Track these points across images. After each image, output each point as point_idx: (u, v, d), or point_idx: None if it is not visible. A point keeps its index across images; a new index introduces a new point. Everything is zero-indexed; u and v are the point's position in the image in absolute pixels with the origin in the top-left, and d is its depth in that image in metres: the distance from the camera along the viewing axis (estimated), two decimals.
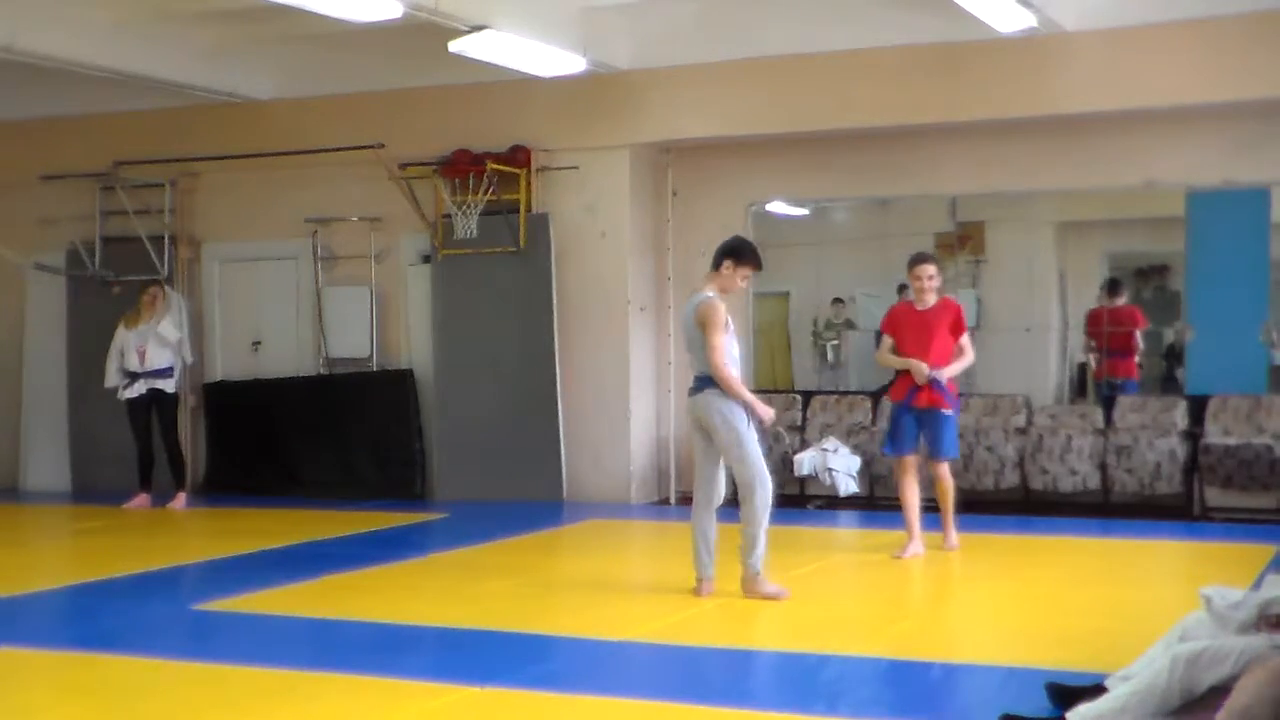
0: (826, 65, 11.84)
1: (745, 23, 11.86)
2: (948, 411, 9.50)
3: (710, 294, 8.08)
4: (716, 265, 8.19)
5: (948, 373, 9.48)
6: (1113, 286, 12.67)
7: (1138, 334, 12.48)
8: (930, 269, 9.62)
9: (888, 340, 9.72)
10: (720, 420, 8.00)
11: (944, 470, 9.62)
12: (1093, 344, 12.68)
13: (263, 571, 9.37)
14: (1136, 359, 12.52)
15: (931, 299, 9.60)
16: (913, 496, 9.62)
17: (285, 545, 10.51)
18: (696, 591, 8.16)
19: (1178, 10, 10.77)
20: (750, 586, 8.06)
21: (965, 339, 9.62)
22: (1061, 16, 10.79)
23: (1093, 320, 12.67)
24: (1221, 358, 11.72)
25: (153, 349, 12.72)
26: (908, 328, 9.61)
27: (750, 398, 8.04)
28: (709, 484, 8.18)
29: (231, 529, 11.76)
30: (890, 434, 9.79)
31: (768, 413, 8.14)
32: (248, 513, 12.53)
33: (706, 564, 8.17)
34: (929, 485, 9.80)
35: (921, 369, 9.41)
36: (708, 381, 8.02)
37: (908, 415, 9.57)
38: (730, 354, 8.03)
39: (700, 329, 8.00)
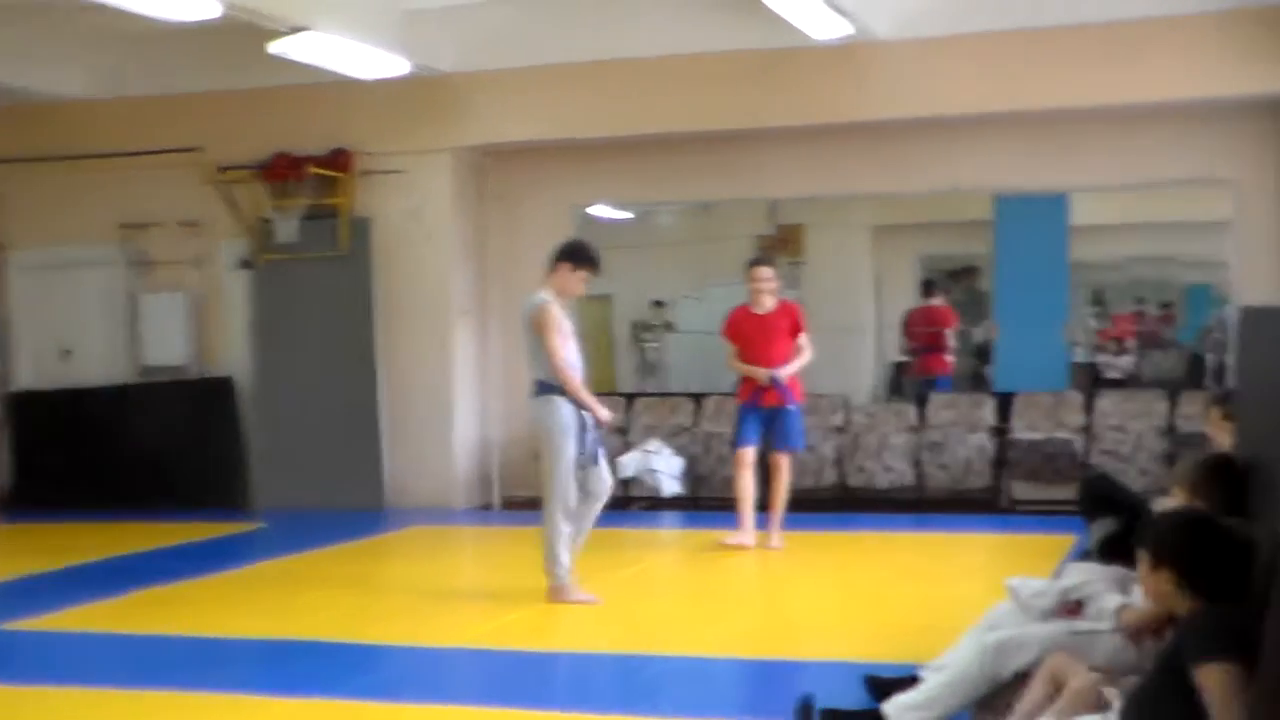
0: (648, 70, 11.93)
1: (568, 27, 11.91)
2: (792, 407, 9.79)
3: (544, 297, 8.08)
4: (553, 267, 8.20)
5: (786, 372, 9.73)
6: (927, 287, 13.04)
7: (949, 332, 12.85)
8: (767, 272, 9.90)
9: (730, 346, 9.95)
10: (547, 425, 8.02)
11: (784, 462, 9.88)
12: (909, 343, 13.03)
13: (72, 588, 9.10)
14: (948, 356, 12.88)
15: (770, 302, 9.85)
16: (747, 489, 9.84)
17: (97, 560, 10.23)
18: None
19: (986, 22, 11.08)
20: (557, 596, 8.07)
21: (804, 338, 9.89)
22: (876, 25, 11.03)
23: (909, 320, 13.01)
24: (1026, 356, 12.13)
25: None
26: (748, 332, 9.85)
27: (590, 400, 8.07)
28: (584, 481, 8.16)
29: (39, 545, 11.36)
30: (736, 431, 10.03)
31: (606, 415, 8.18)
32: (57, 528, 12.14)
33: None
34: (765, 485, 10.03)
35: (760, 373, 9.70)
36: (543, 386, 8.05)
37: (753, 414, 9.84)
38: (568, 357, 8.04)
39: (535, 333, 8.02)
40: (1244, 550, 3.84)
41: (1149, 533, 3.99)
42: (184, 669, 6.87)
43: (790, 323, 9.88)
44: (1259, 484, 4.40)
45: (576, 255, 8.21)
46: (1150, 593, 4.00)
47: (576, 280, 8.19)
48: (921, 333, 12.91)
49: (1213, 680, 3.49)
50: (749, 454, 9.87)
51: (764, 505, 9.97)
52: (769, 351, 9.76)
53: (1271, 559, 3.65)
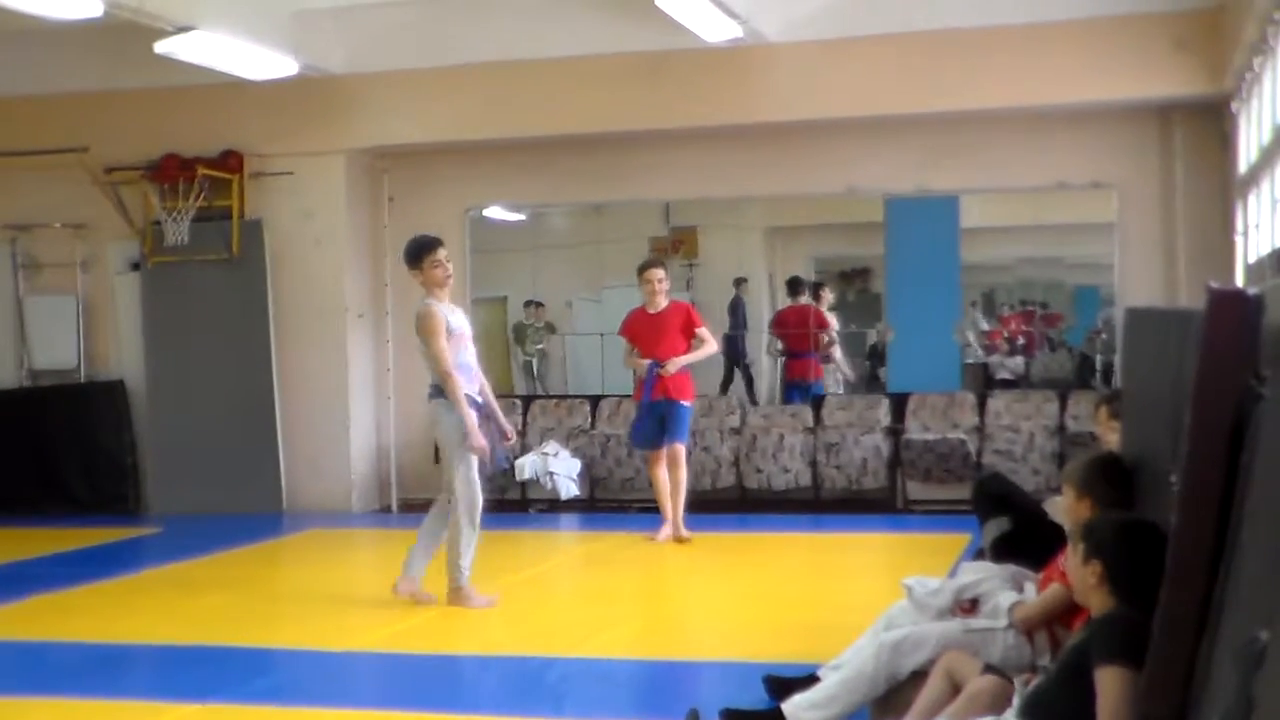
0: (540, 71, 11.95)
1: (458, 28, 11.88)
2: (685, 404, 10.17)
3: (426, 301, 8.08)
4: (412, 272, 8.22)
5: (674, 364, 10.08)
6: (793, 286, 13.01)
7: (829, 334, 12.88)
8: (659, 273, 10.29)
9: (626, 344, 10.34)
10: (442, 430, 8.04)
11: (679, 453, 10.20)
12: (779, 345, 13.06)
13: None
14: (825, 360, 12.89)
15: (662, 302, 10.24)
16: (664, 485, 10.23)
17: None
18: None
19: (872, 25, 11.23)
20: (455, 599, 8.06)
21: (704, 331, 10.32)
22: (765, 28, 11.14)
23: (777, 321, 13.06)
24: (920, 357, 12.30)
25: None
26: (643, 331, 10.24)
27: (469, 420, 7.89)
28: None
29: None
30: (635, 430, 10.48)
31: (479, 446, 7.93)
32: None
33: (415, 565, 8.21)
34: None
35: (642, 364, 10.10)
36: (436, 390, 8.05)
37: (649, 411, 10.14)
38: (458, 360, 8.00)
39: (420, 338, 8.03)
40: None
41: (1090, 526, 4.07)
42: (80, 675, 6.80)
43: (683, 320, 10.24)
44: (1144, 482, 4.53)
45: (411, 255, 8.17)
46: (1073, 582, 4.08)
47: (434, 271, 8.09)
48: (791, 335, 12.92)
49: (1108, 682, 3.59)
50: (658, 454, 10.22)
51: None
52: (661, 348, 10.14)
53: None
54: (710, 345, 10.37)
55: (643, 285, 10.28)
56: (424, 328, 7.98)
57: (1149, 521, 4.00)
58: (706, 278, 13.47)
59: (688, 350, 10.20)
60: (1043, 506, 5.78)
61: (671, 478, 10.21)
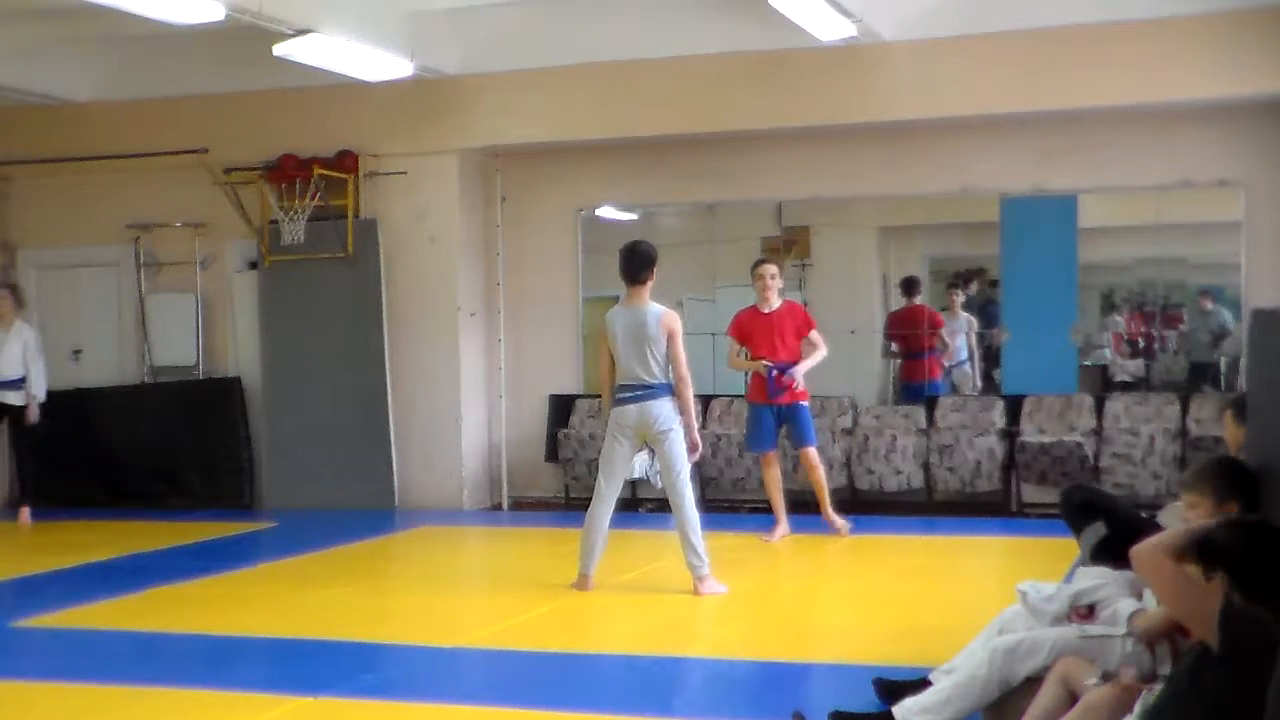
0: (653, 71, 11.95)
1: (572, 29, 11.92)
2: (806, 404, 10.18)
3: (663, 307, 8.41)
4: (644, 278, 8.47)
5: (800, 369, 10.07)
6: (907, 286, 12.83)
7: (942, 334, 12.69)
8: (772, 269, 10.24)
9: (734, 345, 10.31)
10: (674, 425, 8.27)
11: (812, 456, 10.24)
12: (893, 347, 12.91)
13: (85, 585, 9.15)
14: (941, 359, 12.70)
15: (775, 301, 10.16)
16: (776, 487, 10.28)
17: (108, 558, 10.27)
18: (580, 586, 8.40)
19: (989, 24, 11.08)
20: (705, 587, 8.31)
21: (816, 334, 10.23)
22: (880, 26, 11.03)
23: (890, 323, 12.92)
24: (1035, 358, 12.11)
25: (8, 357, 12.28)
26: (755, 331, 10.17)
27: (693, 417, 8.44)
28: (618, 488, 8.50)
29: (51, 542, 11.45)
30: (752, 433, 10.37)
31: (696, 442, 8.46)
32: (69, 525, 12.20)
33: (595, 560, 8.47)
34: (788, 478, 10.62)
35: (758, 366, 10.05)
36: (662, 389, 8.23)
37: (768, 413, 10.13)
38: None
39: (665, 340, 8.27)
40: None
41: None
42: (196, 666, 6.94)
43: (797, 321, 10.15)
44: (1269, 488, 4.40)
45: (653, 261, 8.55)
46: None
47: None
48: (905, 336, 12.75)
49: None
50: (775, 455, 10.30)
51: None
52: (776, 350, 10.06)
53: None
54: (822, 350, 10.26)
55: (755, 282, 10.24)
56: (679, 330, 8.35)
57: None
58: (819, 278, 13.34)
59: (798, 351, 10.14)
60: (1156, 514, 5.63)
61: (812, 478, 10.32)
